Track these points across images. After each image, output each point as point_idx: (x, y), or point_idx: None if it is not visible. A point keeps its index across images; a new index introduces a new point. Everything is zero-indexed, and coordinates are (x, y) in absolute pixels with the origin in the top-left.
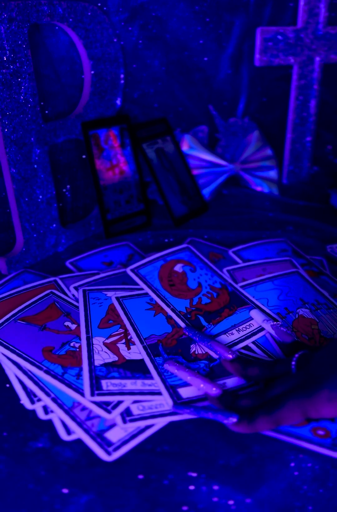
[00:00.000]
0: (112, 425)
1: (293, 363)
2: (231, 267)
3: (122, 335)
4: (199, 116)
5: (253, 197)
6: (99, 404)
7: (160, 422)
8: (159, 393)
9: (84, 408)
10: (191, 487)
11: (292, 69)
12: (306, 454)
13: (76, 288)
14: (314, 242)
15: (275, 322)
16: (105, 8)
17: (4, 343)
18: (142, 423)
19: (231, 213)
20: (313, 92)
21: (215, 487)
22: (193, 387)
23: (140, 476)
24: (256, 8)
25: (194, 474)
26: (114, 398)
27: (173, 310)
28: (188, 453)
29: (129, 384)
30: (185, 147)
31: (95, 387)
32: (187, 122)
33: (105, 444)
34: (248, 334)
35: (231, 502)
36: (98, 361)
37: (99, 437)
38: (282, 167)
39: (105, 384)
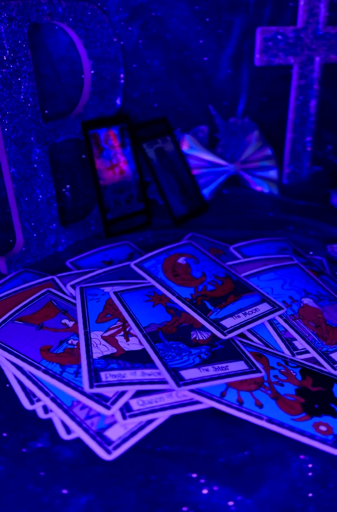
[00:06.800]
0: (112, 423)
1: None
2: (232, 262)
3: (121, 327)
4: (199, 116)
5: (253, 197)
6: (97, 401)
7: (160, 416)
8: (159, 382)
9: (83, 407)
10: (191, 488)
11: (292, 69)
12: (307, 454)
13: (73, 286)
14: (314, 242)
15: None
16: (105, 8)
17: (2, 344)
18: (142, 418)
19: (231, 213)
20: (313, 92)
21: (215, 488)
22: (196, 370)
23: (140, 477)
24: (256, 8)
25: (194, 475)
26: (113, 389)
27: (178, 297)
28: (188, 453)
29: (129, 375)
30: (185, 147)
31: (94, 379)
32: (187, 122)
33: (105, 442)
34: (254, 318)
35: (231, 503)
36: (96, 354)
37: (99, 436)
38: (282, 167)
39: (104, 375)
